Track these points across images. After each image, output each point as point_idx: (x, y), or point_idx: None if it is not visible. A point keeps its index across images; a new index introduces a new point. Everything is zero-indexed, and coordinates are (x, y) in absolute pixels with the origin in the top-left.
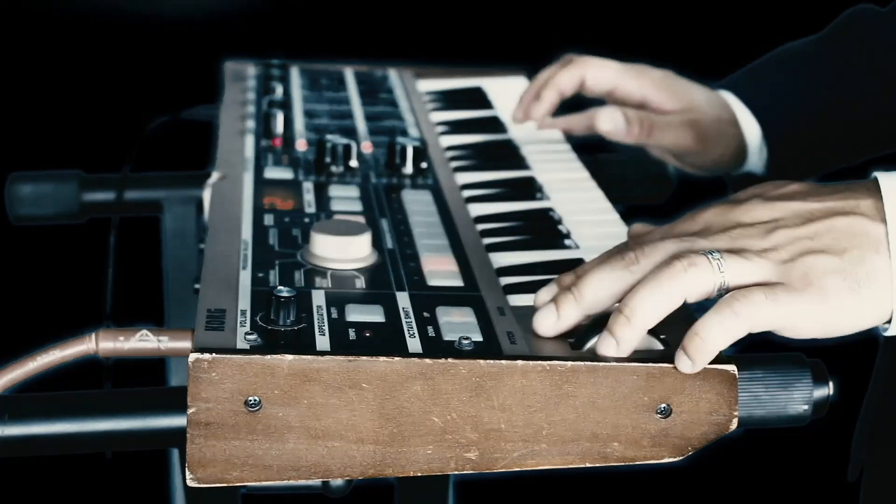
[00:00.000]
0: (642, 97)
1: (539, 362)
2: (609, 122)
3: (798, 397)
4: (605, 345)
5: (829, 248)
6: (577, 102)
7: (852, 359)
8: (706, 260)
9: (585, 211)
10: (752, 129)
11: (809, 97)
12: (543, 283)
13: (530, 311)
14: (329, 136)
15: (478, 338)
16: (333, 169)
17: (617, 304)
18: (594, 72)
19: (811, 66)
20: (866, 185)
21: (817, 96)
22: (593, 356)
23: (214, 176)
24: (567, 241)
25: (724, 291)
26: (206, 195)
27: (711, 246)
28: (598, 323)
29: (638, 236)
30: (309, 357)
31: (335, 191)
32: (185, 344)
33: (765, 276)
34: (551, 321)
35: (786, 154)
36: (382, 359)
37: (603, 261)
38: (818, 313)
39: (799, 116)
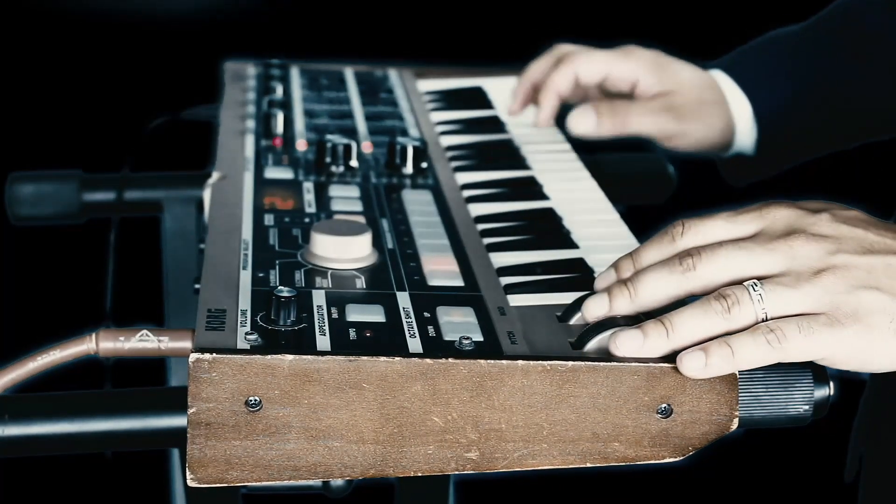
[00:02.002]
0: (633, 79)
1: (540, 362)
2: (581, 122)
3: (799, 398)
4: (631, 342)
5: (883, 286)
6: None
7: None
8: (748, 297)
9: (586, 211)
10: (742, 108)
11: (800, 80)
12: (544, 283)
13: (531, 311)
14: (329, 136)
15: (478, 338)
16: (334, 169)
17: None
18: (585, 66)
19: (803, 50)
20: None
21: (808, 80)
22: (594, 356)
23: (214, 176)
24: (567, 241)
25: (764, 317)
26: (207, 195)
27: (768, 262)
28: (599, 323)
29: (693, 232)
30: (309, 357)
31: (335, 191)
32: (186, 344)
33: (808, 304)
34: (603, 311)
35: (776, 135)
36: (383, 359)
37: (661, 260)
38: (858, 349)
39: (790, 98)
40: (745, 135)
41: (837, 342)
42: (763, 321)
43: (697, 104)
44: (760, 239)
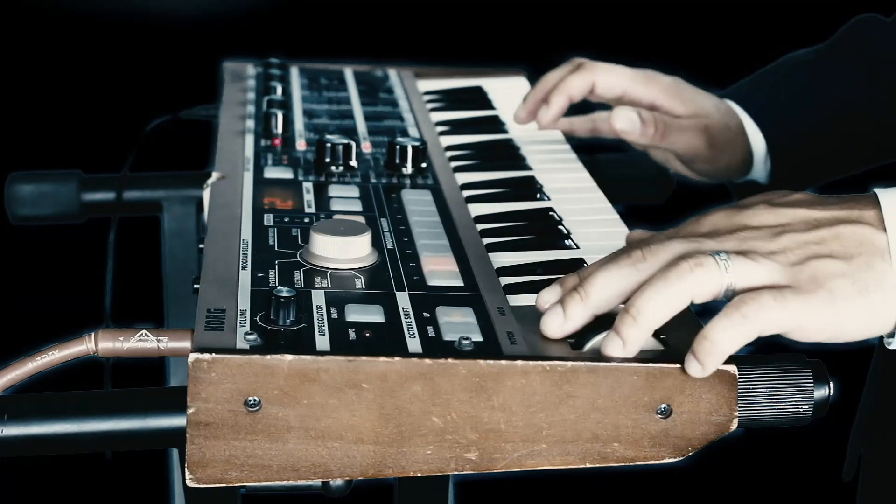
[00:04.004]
0: (651, 103)
1: (539, 362)
2: (626, 122)
3: (799, 398)
4: (612, 345)
5: (837, 253)
6: (581, 107)
7: (849, 359)
8: (713, 260)
9: (585, 211)
10: (756, 140)
11: (813, 107)
12: (544, 284)
13: (530, 311)
14: (329, 136)
15: (478, 338)
16: (333, 169)
17: (622, 305)
18: (604, 77)
19: (815, 76)
20: (868, 197)
21: (821, 106)
22: (593, 356)
23: (214, 176)
24: (567, 241)
25: (731, 294)
26: (206, 195)
27: (719, 247)
28: (599, 323)
29: (639, 239)
30: (309, 357)
31: (335, 191)
32: (185, 344)
33: (773, 278)
34: (558, 322)
35: (789, 164)
36: (382, 359)
37: (608, 260)
38: (827, 316)
39: (803, 126)
40: (760, 165)
41: (808, 311)
42: (729, 291)
43: (726, 130)
44: (709, 235)
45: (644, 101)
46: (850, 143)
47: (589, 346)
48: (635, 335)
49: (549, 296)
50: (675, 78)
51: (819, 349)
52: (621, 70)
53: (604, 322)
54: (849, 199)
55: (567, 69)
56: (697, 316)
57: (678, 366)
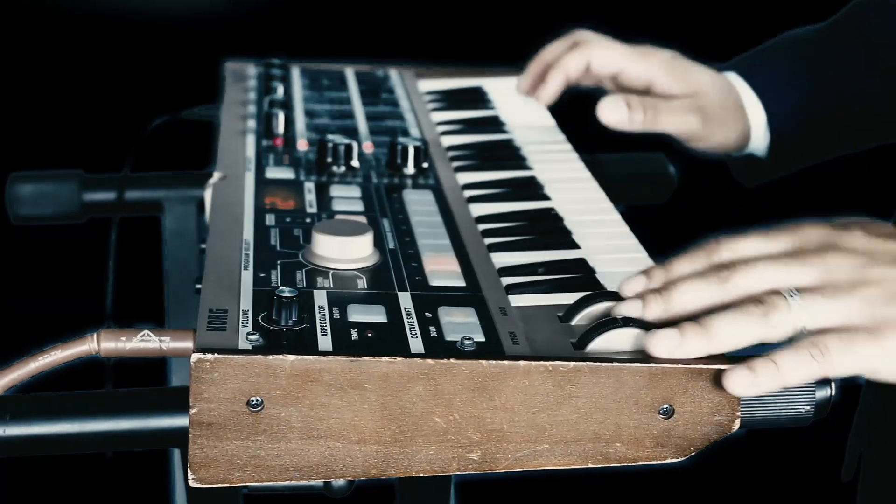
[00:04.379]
0: (648, 80)
1: (541, 363)
2: (612, 112)
3: (800, 398)
4: (668, 342)
5: None
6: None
7: None
8: (786, 304)
9: (587, 211)
10: (756, 112)
11: (814, 83)
12: (545, 283)
13: (532, 311)
14: (330, 136)
15: (480, 338)
16: (335, 169)
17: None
18: (600, 54)
19: (817, 53)
20: None
21: (822, 83)
22: (596, 357)
23: (215, 176)
24: (568, 241)
25: (804, 331)
26: (207, 195)
27: (804, 275)
28: (602, 324)
29: (728, 247)
30: (311, 357)
31: (336, 191)
32: (187, 344)
33: (846, 316)
34: (636, 314)
35: (788, 137)
36: (384, 359)
37: (695, 268)
38: None
39: (803, 101)
40: (759, 138)
41: (879, 354)
42: (801, 332)
43: (720, 108)
44: (795, 254)
45: (641, 77)
46: (849, 122)
47: (591, 346)
48: (698, 349)
49: (632, 286)
50: (672, 52)
51: None
52: (617, 47)
53: (606, 322)
54: None
55: (565, 45)
56: None
57: (680, 366)
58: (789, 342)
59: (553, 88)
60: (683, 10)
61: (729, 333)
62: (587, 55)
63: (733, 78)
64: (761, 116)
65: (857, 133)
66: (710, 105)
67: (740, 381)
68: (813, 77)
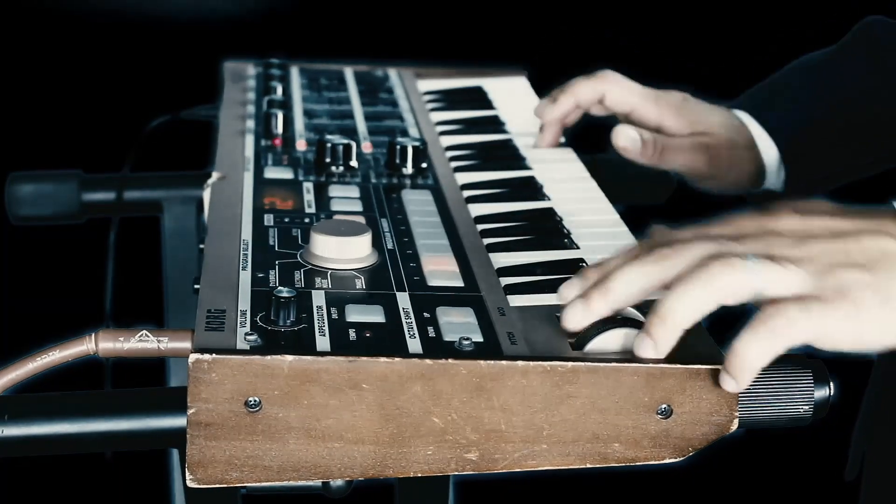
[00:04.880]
0: (659, 123)
1: (539, 363)
2: (626, 140)
3: (799, 398)
4: (643, 346)
5: (861, 264)
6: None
7: (850, 359)
8: (742, 263)
9: (586, 211)
10: (769, 150)
11: (825, 111)
12: (544, 284)
13: (531, 311)
14: (329, 136)
15: (478, 338)
16: (333, 169)
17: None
18: (616, 90)
19: (826, 80)
20: (890, 210)
21: (832, 110)
22: (594, 357)
23: (214, 176)
24: (567, 241)
25: (759, 299)
26: (206, 195)
27: (745, 250)
28: (601, 324)
29: (663, 235)
30: (309, 358)
31: (335, 191)
32: (185, 344)
33: (798, 286)
34: (579, 316)
35: (803, 171)
36: (383, 359)
37: (632, 256)
38: (851, 326)
39: (815, 132)
40: (773, 174)
41: (832, 322)
42: (756, 296)
43: (730, 149)
44: (735, 238)
45: (652, 119)
46: (862, 146)
47: (589, 346)
48: (666, 336)
49: (570, 290)
50: (684, 95)
51: (832, 356)
52: (634, 87)
53: (606, 322)
54: (871, 210)
55: (584, 77)
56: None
57: (679, 366)
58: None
59: (560, 110)
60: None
61: (684, 307)
62: (602, 88)
63: (744, 117)
64: (774, 154)
65: (873, 157)
66: (717, 145)
67: (726, 385)
68: (824, 104)
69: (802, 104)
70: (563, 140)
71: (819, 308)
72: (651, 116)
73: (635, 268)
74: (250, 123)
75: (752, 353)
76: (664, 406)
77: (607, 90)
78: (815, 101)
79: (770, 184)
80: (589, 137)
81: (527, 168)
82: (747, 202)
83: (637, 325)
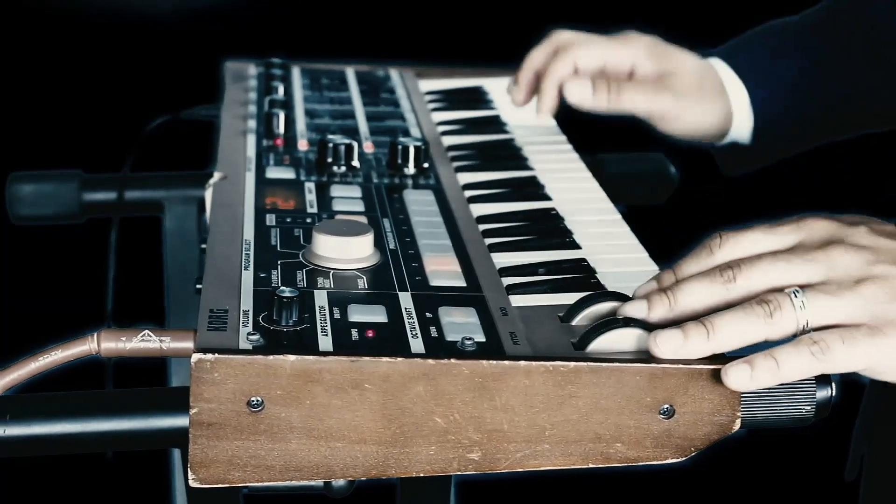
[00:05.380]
0: (631, 64)
1: (542, 363)
2: (575, 94)
3: (801, 398)
4: (672, 342)
5: None
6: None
7: None
8: (790, 303)
9: (587, 211)
10: (739, 96)
11: (799, 69)
12: (546, 284)
13: (533, 311)
14: (331, 136)
15: (480, 338)
16: (335, 169)
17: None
18: (583, 54)
19: (802, 39)
20: None
21: (808, 68)
22: (596, 357)
23: (216, 176)
24: (569, 241)
25: (807, 328)
26: (208, 195)
27: (808, 272)
28: (603, 324)
29: (731, 240)
30: (311, 357)
31: (337, 191)
32: (188, 344)
33: (849, 314)
34: (642, 314)
35: (773, 124)
36: (385, 359)
37: (703, 272)
38: None
39: (788, 86)
40: (742, 123)
41: (879, 352)
42: (804, 329)
43: (696, 88)
44: (799, 250)
45: (624, 63)
46: (834, 107)
47: (592, 346)
48: (701, 348)
49: (643, 289)
50: (654, 37)
51: None
52: (598, 41)
53: (607, 322)
54: None
55: (548, 50)
56: None
57: (681, 366)
58: (790, 338)
59: (550, 100)
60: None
61: (732, 333)
62: (572, 57)
63: (716, 63)
64: (744, 100)
65: (844, 119)
66: (684, 85)
67: (738, 377)
68: (798, 62)
69: (776, 59)
70: (563, 139)
71: (865, 340)
72: (622, 60)
73: (705, 286)
74: (252, 123)
75: (788, 367)
76: (666, 406)
77: (577, 57)
78: (789, 59)
79: (737, 134)
80: (589, 137)
81: (528, 168)
82: (713, 155)
83: (638, 325)
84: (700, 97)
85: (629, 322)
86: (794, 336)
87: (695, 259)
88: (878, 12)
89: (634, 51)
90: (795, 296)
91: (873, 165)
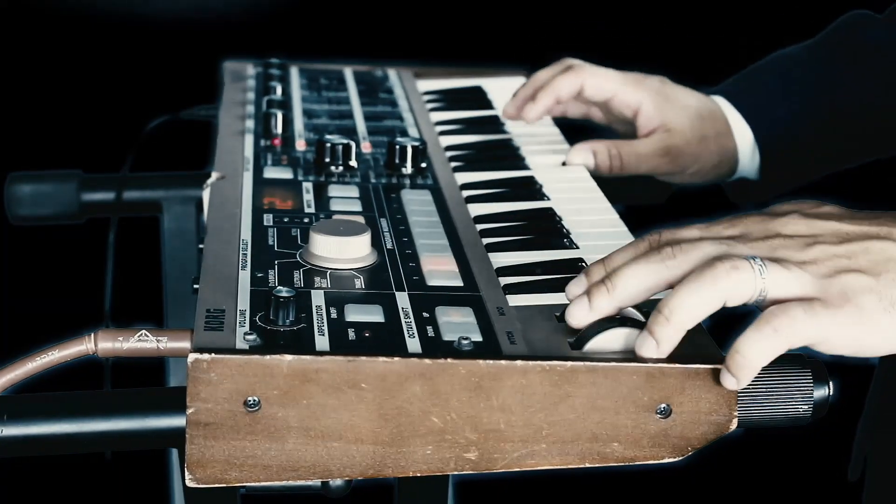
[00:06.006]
0: (636, 110)
1: (538, 362)
2: (582, 161)
3: (798, 398)
4: (645, 345)
5: (865, 268)
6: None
7: (851, 360)
8: (748, 264)
9: (585, 211)
10: (744, 135)
11: (802, 101)
12: (543, 284)
13: (530, 311)
14: (328, 136)
15: (477, 338)
16: (333, 169)
17: (657, 302)
18: (593, 80)
19: (805, 71)
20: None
21: (810, 101)
22: (593, 356)
23: (214, 176)
24: (567, 241)
25: (762, 300)
26: (206, 195)
27: (751, 252)
28: (600, 323)
29: (669, 234)
30: (308, 357)
31: (334, 191)
32: (185, 344)
33: (803, 289)
34: (583, 313)
35: (778, 159)
36: (382, 359)
37: (636, 254)
38: (853, 330)
39: (792, 119)
40: (747, 159)
41: (835, 325)
42: (759, 297)
43: (697, 141)
44: (740, 239)
45: (631, 104)
46: (838, 137)
47: (588, 346)
48: (669, 335)
49: (575, 287)
50: (662, 79)
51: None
52: (610, 74)
53: (604, 322)
54: (878, 214)
55: (557, 69)
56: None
57: (678, 365)
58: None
59: (541, 108)
60: (676, 31)
61: (689, 306)
62: (581, 78)
63: (720, 101)
64: (748, 138)
65: (848, 149)
66: (682, 142)
67: (726, 382)
68: (801, 94)
69: (779, 93)
70: (561, 139)
71: (823, 311)
72: (631, 101)
73: (641, 267)
74: (250, 123)
75: (753, 352)
76: (663, 406)
77: (585, 80)
78: (791, 91)
79: (744, 170)
80: (587, 137)
81: (526, 168)
82: (724, 189)
83: (637, 324)
84: (700, 150)
85: (625, 322)
86: (747, 307)
87: (628, 249)
88: (875, 38)
89: (643, 94)
90: (754, 260)
91: (874, 170)
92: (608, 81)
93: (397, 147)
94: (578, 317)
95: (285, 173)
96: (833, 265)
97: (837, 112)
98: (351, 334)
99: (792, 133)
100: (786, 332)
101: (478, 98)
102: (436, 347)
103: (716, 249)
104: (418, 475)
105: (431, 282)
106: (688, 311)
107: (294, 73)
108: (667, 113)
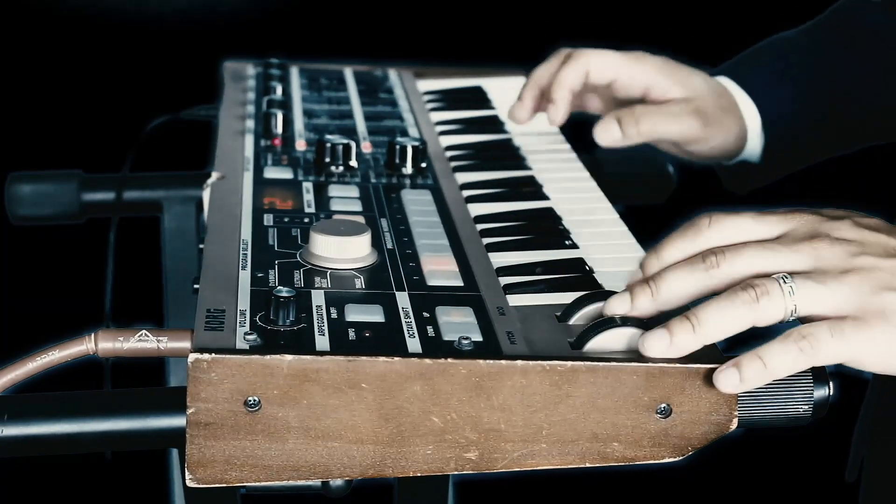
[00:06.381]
0: (645, 84)
1: (539, 362)
2: (605, 137)
3: (798, 398)
4: (658, 344)
5: None
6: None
7: None
8: (779, 289)
9: (585, 211)
10: (751, 115)
11: (802, 85)
12: (543, 283)
13: (530, 310)
14: (329, 136)
15: (477, 338)
16: (333, 169)
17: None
18: (596, 62)
19: (803, 55)
20: None
21: (810, 83)
22: (593, 356)
23: (214, 176)
24: (567, 241)
25: (794, 316)
26: (206, 195)
27: (793, 262)
28: (599, 323)
29: (718, 224)
30: (308, 357)
31: (335, 191)
32: (185, 344)
33: (837, 305)
34: (625, 308)
35: (782, 142)
36: (382, 359)
37: (684, 260)
38: (886, 350)
39: (794, 102)
40: (754, 141)
41: (866, 344)
42: (791, 316)
43: (718, 110)
44: (784, 240)
45: (637, 82)
46: (839, 121)
47: (589, 346)
48: (689, 343)
49: (632, 280)
50: (664, 57)
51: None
52: (611, 54)
53: (604, 322)
54: None
55: (557, 62)
56: None
57: (678, 365)
58: (778, 329)
59: (563, 108)
60: (675, 30)
61: (717, 322)
62: (585, 64)
63: (726, 81)
64: (756, 119)
65: (848, 133)
66: (708, 107)
67: (728, 381)
68: (802, 77)
69: (782, 74)
70: (562, 138)
71: (853, 331)
72: (636, 79)
73: (685, 274)
74: (250, 123)
75: (775, 363)
76: (663, 405)
77: (590, 64)
78: (793, 74)
79: (748, 152)
80: (587, 137)
81: (526, 168)
82: (719, 175)
83: (637, 324)
84: (721, 120)
85: (626, 321)
86: (781, 324)
87: (679, 241)
88: (873, 21)
89: (648, 70)
90: (784, 281)
91: (875, 169)
92: (611, 62)
93: (397, 147)
94: (617, 312)
95: (285, 173)
96: (876, 281)
97: (836, 96)
98: (351, 334)
99: (794, 115)
100: (810, 353)
101: (478, 98)
102: (436, 347)
103: (759, 264)
104: (418, 475)
105: (431, 282)
106: (714, 328)
107: (294, 73)
108: (681, 84)
